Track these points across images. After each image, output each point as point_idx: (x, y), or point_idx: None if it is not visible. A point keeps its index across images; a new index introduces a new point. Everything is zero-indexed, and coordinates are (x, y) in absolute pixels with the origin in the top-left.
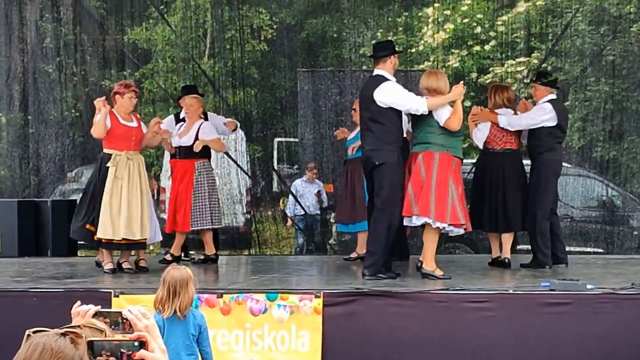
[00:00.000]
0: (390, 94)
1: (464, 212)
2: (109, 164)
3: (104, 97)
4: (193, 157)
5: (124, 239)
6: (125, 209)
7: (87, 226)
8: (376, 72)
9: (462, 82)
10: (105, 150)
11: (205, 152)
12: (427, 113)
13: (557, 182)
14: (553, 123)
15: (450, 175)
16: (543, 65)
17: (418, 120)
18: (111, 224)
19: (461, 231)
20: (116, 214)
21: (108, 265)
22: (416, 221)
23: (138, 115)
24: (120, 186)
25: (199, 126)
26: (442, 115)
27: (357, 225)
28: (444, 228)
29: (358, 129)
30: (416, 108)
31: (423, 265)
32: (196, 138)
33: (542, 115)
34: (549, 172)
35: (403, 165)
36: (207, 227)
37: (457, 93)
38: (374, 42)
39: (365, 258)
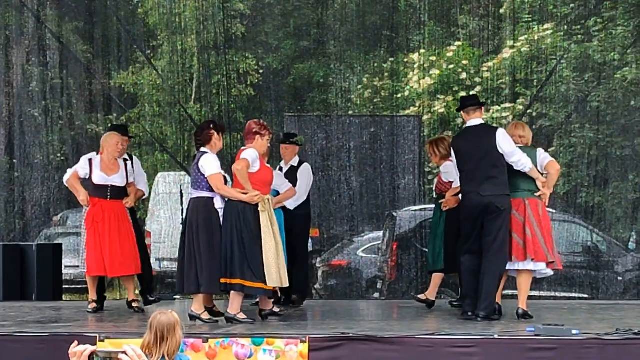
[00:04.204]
0: (510, 144)
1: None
2: (259, 209)
3: None
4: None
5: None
6: (278, 255)
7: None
8: (478, 121)
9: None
10: None
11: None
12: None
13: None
14: None
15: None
16: (528, 111)
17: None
18: (277, 271)
19: (550, 272)
20: (277, 260)
21: (241, 315)
22: (522, 266)
23: None
24: (273, 232)
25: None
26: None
27: None
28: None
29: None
30: (525, 163)
31: (520, 306)
32: None
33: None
34: None
35: None
36: None
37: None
38: (461, 95)
39: (481, 299)
